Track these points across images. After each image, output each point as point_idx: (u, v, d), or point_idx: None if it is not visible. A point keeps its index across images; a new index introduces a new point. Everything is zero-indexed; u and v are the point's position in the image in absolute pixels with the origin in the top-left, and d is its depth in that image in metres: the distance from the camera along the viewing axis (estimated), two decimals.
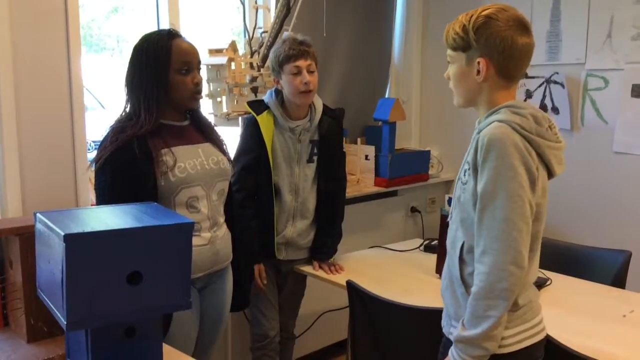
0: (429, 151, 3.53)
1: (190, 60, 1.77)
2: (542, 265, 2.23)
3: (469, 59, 1.38)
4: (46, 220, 1.20)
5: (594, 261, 2.34)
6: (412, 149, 3.64)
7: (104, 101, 3.20)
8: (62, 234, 1.10)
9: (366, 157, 3.24)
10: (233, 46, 2.64)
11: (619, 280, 2.25)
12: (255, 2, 2.96)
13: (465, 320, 1.35)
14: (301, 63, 2.17)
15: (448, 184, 3.68)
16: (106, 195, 1.71)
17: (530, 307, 1.40)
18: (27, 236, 1.46)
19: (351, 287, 1.96)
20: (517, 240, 1.29)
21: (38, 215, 1.26)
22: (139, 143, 1.70)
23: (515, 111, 1.34)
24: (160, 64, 1.73)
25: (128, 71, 1.78)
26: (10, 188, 2.05)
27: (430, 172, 3.52)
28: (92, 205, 2.27)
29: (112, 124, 1.78)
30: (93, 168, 1.76)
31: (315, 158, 2.32)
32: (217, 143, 1.93)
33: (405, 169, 3.31)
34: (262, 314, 2.37)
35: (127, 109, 1.78)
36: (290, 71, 2.18)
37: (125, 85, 1.80)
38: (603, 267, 2.29)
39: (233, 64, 2.63)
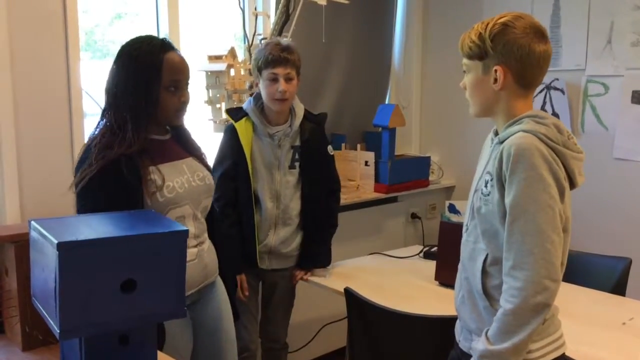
0: (429, 157, 3.52)
1: (179, 79, 1.67)
2: None
3: (486, 67, 1.36)
4: (40, 228, 1.19)
5: (594, 268, 2.32)
6: (412, 155, 3.64)
7: None
8: (56, 242, 1.09)
9: (366, 163, 3.24)
10: (232, 53, 2.64)
11: (619, 287, 2.24)
12: (255, 9, 2.97)
13: (492, 334, 1.30)
14: (279, 71, 2.14)
15: (448, 190, 3.67)
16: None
17: (553, 321, 1.38)
18: (22, 244, 1.46)
19: (349, 294, 1.95)
20: (550, 252, 1.26)
21: (32, 223, 1.25)
22: (126, 161, 1.58)
23: (539, 121, 1.32)
24: (150, 79, 1.62)
25: (112, 77, 1.65)
26: (8, 195, 2.05)
27: (430, 178, 3.51)
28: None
29: (92, 137, 1.64)
30: (74, 190, 1.60)
31: (297, 164, 2.28)
32: (199, 156, 1.85)
33: (405, 175, 3.30)
34: (243, 325, 2.28)
35: (109, 120, 1.64)
36: (267, 77, 2.15)
37: (107, 91, 1.66)
38: (603, 274, 2.27)
39: (232, 70, 2.63)
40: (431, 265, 2.35)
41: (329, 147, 2.38)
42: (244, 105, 2.28)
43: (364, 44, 3.39)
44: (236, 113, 2.27)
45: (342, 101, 3.31)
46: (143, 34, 1.70)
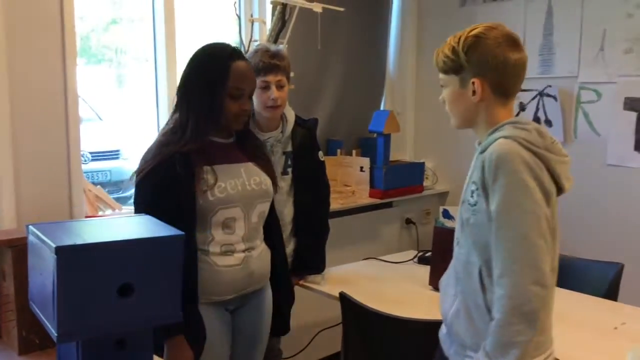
0: (423, 163, 3.55)
1: (243, 87, 1.73)
2: None
3: (463, 80, 1.37)
4: (38, 233, 1.20)
5: (587, 273, 2.34)
6: (406, 160, 3.66)
7: (102, 113, 3.21)
8: (54, 246, 1.10)
9: (361, 169, 3.26)
10: None
11: (611, 292, 2.26)
12: (251, 15, 2.99)
13: (490, 349, 1.27)
14: (270, 78, 2.12)
15: (443, 196, 3.69)
16: (145, 210, 1.58)
17: (548, 336, 1.34)
18: (20, 248, 1.46)
19: (344, 299, 1.96)
20: (536, 258, 1.24)
21: (30, 227, 1.26)
22: (181, 158, 1.67)
23: (519, 126, 1.32)
24: (215, 85, 1.69)
25: (183, 80, 1.75)
26: (4, 199, 2.05)
27: (425, 183, 3.53)
28: (87, 217, 2.28)
29: (158, 136, 1.76)
30: (133, 181, 1.74)
31: (289, 170, 2.29)
32: (262, 163, 1.88)
33: (400, 181, 3.32)
34: None
35: (175, 119, 1.75)
36: (258, 85, 2.11)
37: (177, 92, 1.78)
38: (595, 279, 2.29)
39: None
40: (425, 270, 2.36)
41: (320, 153, 2.38)
42: None
43: (359, 51, 3.42)
44: None
45: (338, 107, 3.33)
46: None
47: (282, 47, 2.46)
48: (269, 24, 2.90)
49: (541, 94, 3.14)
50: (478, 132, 1.41)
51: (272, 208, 1.94)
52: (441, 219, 3.42)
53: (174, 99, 1.86)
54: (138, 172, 1.70)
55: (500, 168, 1.26)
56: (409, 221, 3.59)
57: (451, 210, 3.38)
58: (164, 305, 1.25)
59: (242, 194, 1.76)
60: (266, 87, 2.14)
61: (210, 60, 1.72)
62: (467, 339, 1.38)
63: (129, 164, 3.12)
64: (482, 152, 1.34)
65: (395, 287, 2.34)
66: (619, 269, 2.28)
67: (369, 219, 3.37)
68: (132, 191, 1.93)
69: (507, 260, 1.25)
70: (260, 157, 1.89)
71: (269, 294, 1.94)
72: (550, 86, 3.11)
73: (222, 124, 1.75)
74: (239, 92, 1.71)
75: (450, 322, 1.43)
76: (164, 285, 1.24)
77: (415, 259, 2.66)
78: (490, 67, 1.33)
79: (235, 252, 1.77)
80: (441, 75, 1.41)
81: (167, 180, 1.65)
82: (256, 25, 2.99)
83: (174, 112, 1.77)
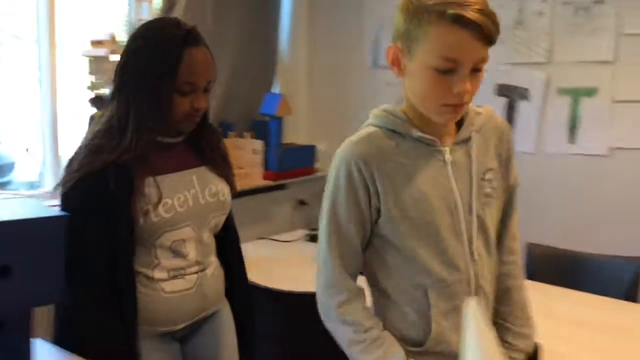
0: (314, 146, 3.65)
1: (196, 82, 1.39)
2: None
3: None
4: None
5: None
6: (299, 143, 3.74)
7: None
8: None
9: (254, 151, 3.30)
10: (113, 38, 2.59)
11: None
12: None
13: (524, 321, 1.30)
14: None
15: None
16: (72, 228, 1.29)
17: None
18: None
19: None
20: None
21: None
22: (116, 170, 1.34)
23: None
24: (163, 75, 1.35)
25: (122, 66, 1.40)
26: None
27: (317, 166, 3.63)
28: None
29: (87, 136, 1.40)
30: (58, 192, 1.41)
31: None
32: (219, 165, 1.56)
33: (293, 163, 3.40)
34: None
35: (110, 117, 1.39)
36: None
37: (116, 72, 1.41)
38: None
39: (114, 56, 2.59)
40: (313, 247, 2.46)
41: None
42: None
43: (251, 32, 3.43)
44: (101, 103, 2.18)
45: (230, 89, 3.33)
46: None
47: None
48: (157, 3, 2.85)
49: None
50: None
51: (230, 217, 1.64)
52: None
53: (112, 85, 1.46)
54: (62, 183, 1.38)
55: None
56: (301, 202, 3.68)
57: None
58: (44, 287, 1.24)
59: (193, 210, 1.44)
60: None
61: (157, 45, 1.36)
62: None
63: (4, 147, 2.96)
64: (478, 130, 1.25)
65: (287, 263, 2.42)
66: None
67: (263, 201, 3.43)
68: (10, 176, 1.76)
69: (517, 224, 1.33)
70: (217, 159, 1.56)
71: (226, 312, 1.65)
72: None
73: (168, 124, 1.42)
74: (191, 87, 1.38)
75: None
76: (43, 267, 1.22)
77: (305, 237, 2.76)
78: None
79: (186, 275, 1.48)
80: (484, 51, 1.10)
81: (97, 198, 1.34)
82: (145, 4, 2.93)
83: (112, 97, 1.42)
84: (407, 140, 1.21)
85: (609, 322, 1.87)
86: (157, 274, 1.44)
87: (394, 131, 1.22)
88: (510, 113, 3.09)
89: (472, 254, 1.23)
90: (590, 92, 2.81)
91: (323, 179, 3.97)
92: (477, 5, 1.07)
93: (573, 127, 2.91)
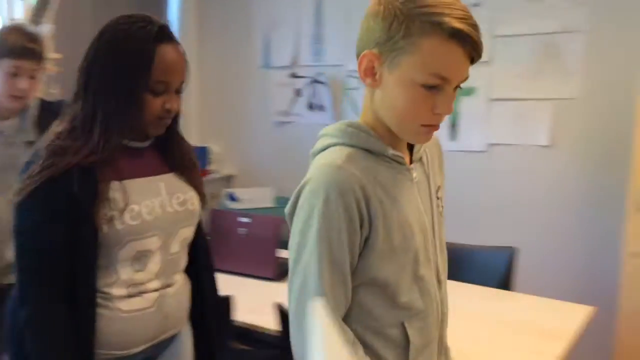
0: (206, 147, 3.60)
1: (169, 81, 1.30)
2: None
3: None
4: None
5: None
6: (191, 145, 3.67)
7: None
8: None
9: None
10: None
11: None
12: None
13: None
14: (22, 64, 1.84)
15: (229, 180, 3.78)
16: (26, 243, 1.24)
17: None
18: None
19: None
20: None
21: None
22: (81, 174, 1.24)
23: None
24: (134, 74, 1.27)
25: (89, 62, 1.30)
26: None
27: (210, 167, 3.58)
28: None
29: (49, 135, 1.29)
30: (15, 200, 1.26)
31: None
32: (188, 173, 1.46)
33: None
34: None
35: (74, 116, 1.29)
36: (6, 70, 1.84)
37: (80, 70, 1.31)
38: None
39: None
40: None
41: None
42: None
43: None
44: None
45: None
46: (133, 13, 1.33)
47: (46, 27, 2.30)
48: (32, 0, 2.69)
49: (314, 81, 3.37)
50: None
51: (199, 228, 1.52)
52: (227, 201, 3.51)
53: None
54: (19, 190, 1.25)
55: None
56: None
57: (237, 192, 3.48)
58: None
59: (161, 218, 1.35)
60: (16, 74, 1.85)
61: (127, 41, 1.28)
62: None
63: None
64: (426, 146, 1.20)
65: None
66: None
67: None
68: None
69: None
70: (186, 165, 1.47)
71: (186, 336, 1.52)
72: (322, 73, 3.35)
73: (139, 126, 1.32)
74: (163, 86, 1.29)
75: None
76: None
77: None
78: None
79: (147, 292, 1.36)
80: (469, 70, 1.04)
81: (59, 203, 1.23)
82: (20, 2, 2.76)
83: (73, 103, 1.31)
84: (381, 159, 1.07)
85: (486, 311, 1.95)
86: (116, 291, 1.32)
87: (367, 150, 1.06)
88: None
89: (438, 280, 1.13)
90: (468, 91, 2.97)
91: (218, 181, 3.92)
92: (471, 20, 0.96)
93: (454, 125, 3.06)
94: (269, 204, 3.41)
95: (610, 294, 2.58)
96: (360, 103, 1.18)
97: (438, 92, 0.99)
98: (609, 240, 2.71)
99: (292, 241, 1.03)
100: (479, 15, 1.03)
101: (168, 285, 1.39)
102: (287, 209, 1.07)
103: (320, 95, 3.37)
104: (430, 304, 1.10)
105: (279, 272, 2.22)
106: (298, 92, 3.39)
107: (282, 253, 2.25)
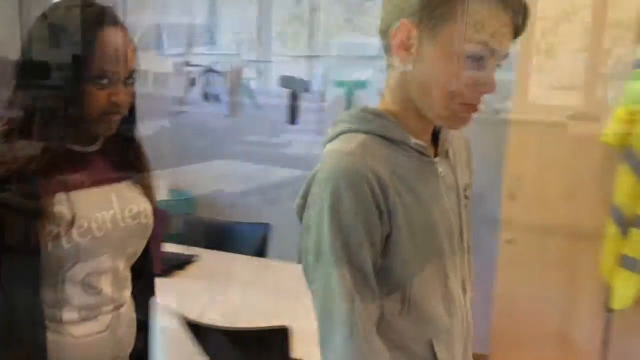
0: None
1: (115, 69, 1.14)
2: (191, 243, 2.40)
3: None
4: None
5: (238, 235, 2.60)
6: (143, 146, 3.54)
7: None
8: None
9: None
10: None
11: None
12: None
13: None
14: None
15: None
16: None
17: None
18: None
19: None
20: None
21: None
22: (20, 182, 1.11)
23: None
24: (73, 63, 1.12)
25: (25, 51, 1.16)
26: None
27: None
28: None
29: None
30: None
31: None
32: (140, 181, 1.31)
33: None
34: None
35: (10, 116, 1.16)
36: None
37: (15, 73, 1.17)
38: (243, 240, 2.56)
39: None
40: None
41: None
42: None
43: None
44: None
45: None
46: None
47: None
48: None
49: (208, 70, 3.33)
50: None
51: (147, 244, 1.38)
52: None
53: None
54: None
55: None
56: None
57: None
58: None
59: (113, 235, 1.20)
60: None
61: (64, 28, 1.13)
62: None
63: None
64: (451, 140, 1.09)
65: None
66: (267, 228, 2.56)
67: None
68: None
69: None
70: (139, 173, 1.33)
71: None
72: (217, 62, 3.31)
73: (83, 124, 1.17)
74: (107, 75, 1.13)
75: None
76: None
77: None
78: None
79: (101, 314, 1.24)
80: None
81: None
82: None
83: (9, 100, 1.17)
84: (401, 148, 0.94)
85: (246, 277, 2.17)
86: (66, 315, 1.19)
87: (384, 137, 0.94)
88: (294, 104, 3.22)
89: (464, 288, 1.01)
90: (360, 84, 3.04)
91: None
92: None
93: None
94: (163, 196, 3.32)
95: (486, 279, 2.73)
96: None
97: (481, 67, 0.88)
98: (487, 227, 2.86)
99: (308, 239, 0.90)
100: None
101: (120, 306, 1.27)
102: (295, 202, 0.94)
103: (215, 85, 3.33)
104: (455, 315, 0.98)
105: (165, 267, 2.18)
106: (192, 82, 3.33)
107: (168, 247, 2.21)
